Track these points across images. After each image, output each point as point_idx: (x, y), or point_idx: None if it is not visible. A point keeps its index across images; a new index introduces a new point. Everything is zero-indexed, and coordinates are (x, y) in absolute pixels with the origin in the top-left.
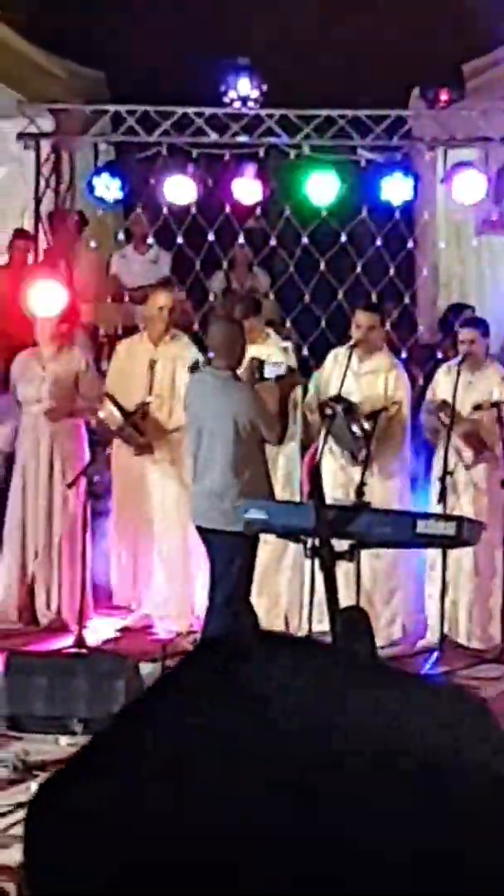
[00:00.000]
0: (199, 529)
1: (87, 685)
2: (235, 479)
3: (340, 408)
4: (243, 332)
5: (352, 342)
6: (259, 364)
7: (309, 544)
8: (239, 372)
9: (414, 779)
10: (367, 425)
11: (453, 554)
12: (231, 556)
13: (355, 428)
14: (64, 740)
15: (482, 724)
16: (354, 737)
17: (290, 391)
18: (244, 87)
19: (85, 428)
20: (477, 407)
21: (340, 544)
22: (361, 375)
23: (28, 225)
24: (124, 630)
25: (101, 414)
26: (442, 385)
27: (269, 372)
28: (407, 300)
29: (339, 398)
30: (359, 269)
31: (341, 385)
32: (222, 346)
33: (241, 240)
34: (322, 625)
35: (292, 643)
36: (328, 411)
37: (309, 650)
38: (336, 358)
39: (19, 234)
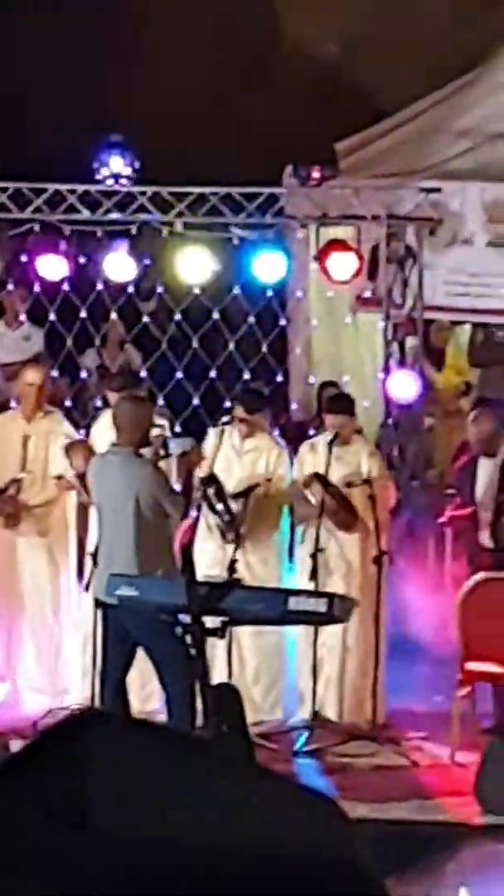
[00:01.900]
0: (104, 605)
1: None
2: (138, 556)
3: (211, 490)
4: (149, 410)
5: (226, 420)
6: (163, 440)
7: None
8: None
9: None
10: (234, 505)
11: (329, 630)
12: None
13: (221, 508)
14: None
15: (322, 821)
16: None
17: (194, 466)
18: (117, 164)
19: None
20: (348, 484)
21: (214, 621)
22: (244, 453)
23: None
24: None
25: None
26: (307, 462)
27: (174, 448)
28: (279, 378)
29: (210, 478)
30: (231, 347)
31: (212, 463)
32: (127, 424)
33: (113, 316)
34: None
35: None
36: (201, 490)
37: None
38: (217, 435)
39: None
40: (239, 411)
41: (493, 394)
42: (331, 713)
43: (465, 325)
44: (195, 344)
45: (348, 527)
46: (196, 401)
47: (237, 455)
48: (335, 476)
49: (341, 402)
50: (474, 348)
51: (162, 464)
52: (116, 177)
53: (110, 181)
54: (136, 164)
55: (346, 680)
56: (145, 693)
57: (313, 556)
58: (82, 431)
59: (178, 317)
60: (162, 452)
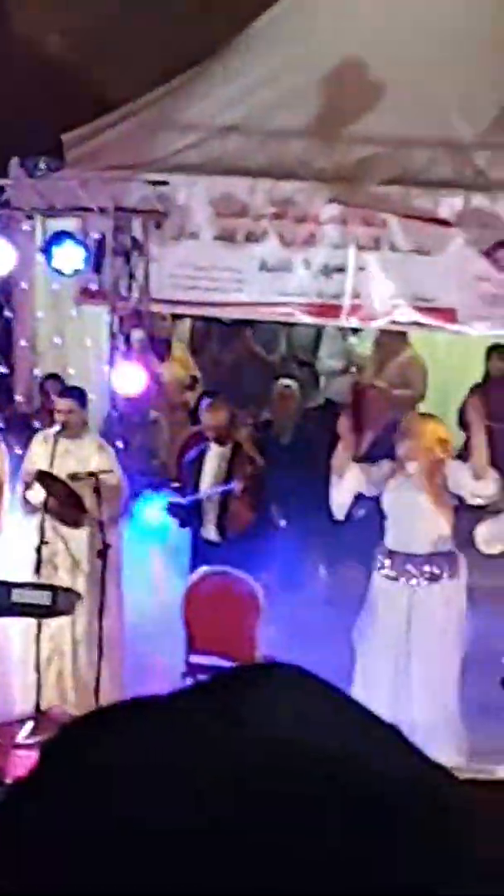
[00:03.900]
0: None
1: None
2: None
3: None
4: None
5: None
6: None
7: None
8: None
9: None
10: None
11: (58, 622)
12: None
13: None
14: None
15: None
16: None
17: None
18: None
19: None
20: (73, 476)
21: None
22: None
23: None
24: None
25: None
26: (37, 454)
27: None
28: (4, 370)
29: None
30: None
31: None
32: None
33: None
34: None
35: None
36: None
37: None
38: None
39: None
40: None
41: (217, 387)
42: (66, 704)
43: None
44: None
45: (74, 523)
46: None
47: None
48: (62, 470)
49: (71, 390)
50: (195, 341)
51: None
52: None
53: None
54: None
55: (75, 672)
56: None
57: (38, 550)
58: None
59: None
60: None
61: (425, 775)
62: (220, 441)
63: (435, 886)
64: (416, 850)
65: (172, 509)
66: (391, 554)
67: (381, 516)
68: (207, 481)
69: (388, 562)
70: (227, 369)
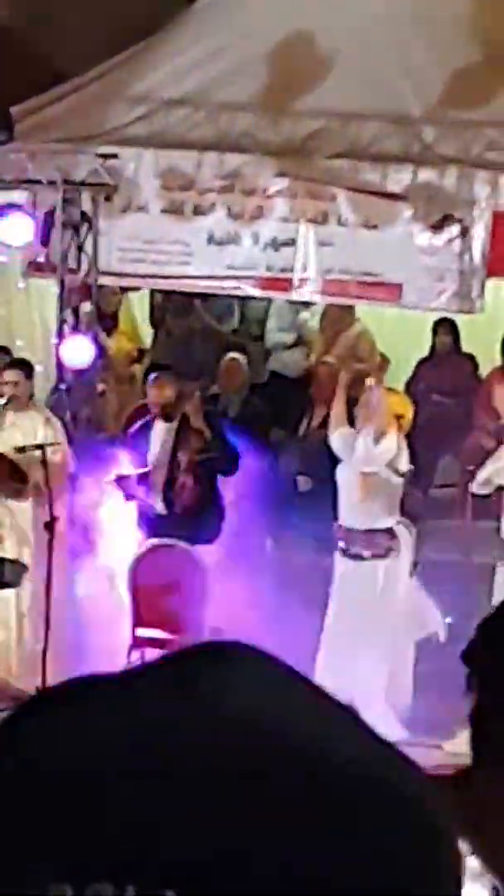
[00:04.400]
0: None
1: None
2: None
3: None
4: None
5: None
6: None
7: None
8: None
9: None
10: None
11: (1, 595)
12: None
13: None
14: None
15: None
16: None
17: None
18: None
19: None
20: (21, 449)
21: None
22: None
23: None
24: None
25: None
26: None
27: None
28: None
29: None
30: None
31: None
32: None
33: None
34: None
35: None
36: None
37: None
38: None
39: None
40: None
41: (167, 359)
42: (11, 677)
43: (140, 292)
44: None
45: (17, 495)
46: None
47: None
48: (8, 442)
49: (18, 363)
50: (155, 312)
51: None
52: None
53: None
54: None
55: (20, 644)
56: None
57: None
58: None
59: None
60: None
61: (385, 763)
62: (166, 417)
63: (405, 887)
64: (382, 845)
65: (119, 482)
66: (341, 529)
67: (334, 490)
68: (154, 455)
69: (338, 535)
70: (179, 341)
